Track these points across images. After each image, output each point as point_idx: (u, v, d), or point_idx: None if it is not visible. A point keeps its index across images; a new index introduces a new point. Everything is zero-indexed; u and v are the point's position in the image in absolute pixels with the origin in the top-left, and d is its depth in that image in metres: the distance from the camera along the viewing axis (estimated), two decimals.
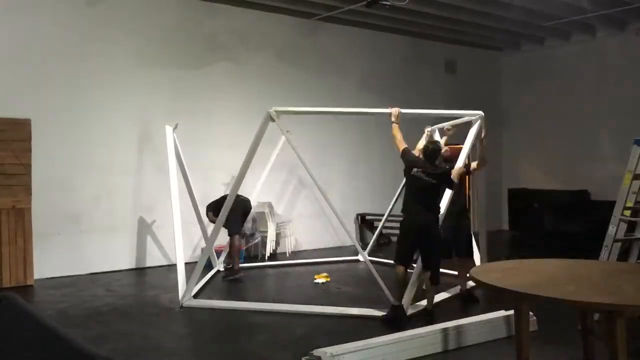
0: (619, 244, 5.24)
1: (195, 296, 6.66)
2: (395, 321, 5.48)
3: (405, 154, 5.85)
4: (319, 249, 9.71)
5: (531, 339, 3.78)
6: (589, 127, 11.76)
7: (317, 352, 4.44)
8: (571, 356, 4.65)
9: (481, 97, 12.67)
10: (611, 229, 5.12)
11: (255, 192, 9.19)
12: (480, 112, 6.92)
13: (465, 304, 6.40)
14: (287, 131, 6.61)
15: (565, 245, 9.75)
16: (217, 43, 9.57)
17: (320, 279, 7.72)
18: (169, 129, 7.46)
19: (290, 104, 8.49)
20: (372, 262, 6.79)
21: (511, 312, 4.38)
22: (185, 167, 7.75)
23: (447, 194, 6.26)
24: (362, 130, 10.95)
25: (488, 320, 5.18)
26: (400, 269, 5.72)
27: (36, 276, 7.61)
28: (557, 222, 10.87)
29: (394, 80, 11.56)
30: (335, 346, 4.52)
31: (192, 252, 9.00)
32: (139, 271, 8.56)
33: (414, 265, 6.06)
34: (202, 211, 8.04)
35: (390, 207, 9.22)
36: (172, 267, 8.08)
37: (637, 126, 11.15)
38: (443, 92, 12.37)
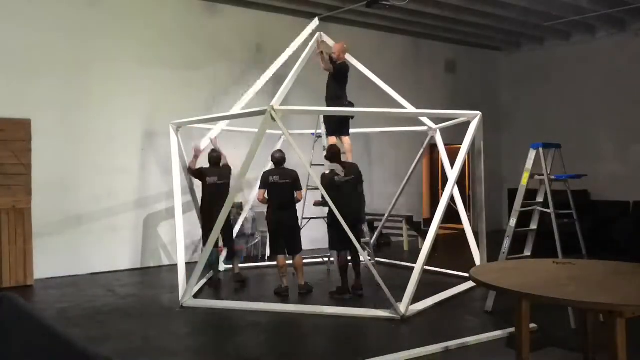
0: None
1: (196, 296, 6.66)
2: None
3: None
4: (319, 248, 9.70)
5: (531, 339, 3.78)
6: (589, 127, 11.76)
7: None
8: (571, 356, 4.65)
9: (481, 97, 12.68)
10: (512, 222, 5.85)
11: (255, 191, 9.17)
12: (479, 112, 6.93)
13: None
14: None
15: (565, 245, 9.72)
16: (217, 43, 9.57)
17: None
18: (172, 128, 7.46)
19: (290, 103, 8.50)
20: None
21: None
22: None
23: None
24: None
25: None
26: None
27: (36, 276, 7.61)
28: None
29: (394, 80, 11.52)
30: None
31: (193, 252, 9.00)
32: (139, 271, 8.56)
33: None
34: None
35: (391, 207, 9.22)
36: (172, 267, 8.09)
37: (637, 126, 11.17)
38: (443, 92, 12.36)
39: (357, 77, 8.46)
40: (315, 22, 8.15)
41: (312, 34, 8.16)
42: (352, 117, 8.03)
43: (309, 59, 7.73)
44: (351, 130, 8.31)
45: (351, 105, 7.75)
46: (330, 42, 8.20)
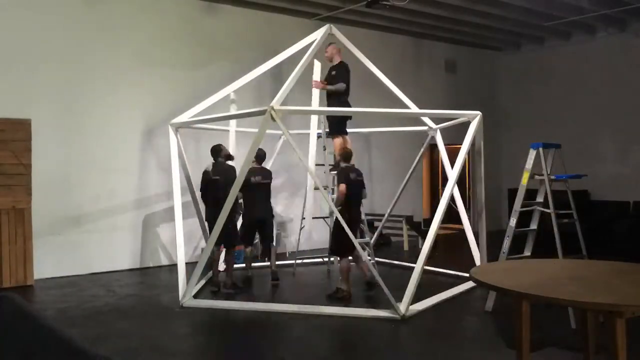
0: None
1: (196, 296, 6.66)
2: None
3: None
4: (319, 249, 9.70)
5: (531, 339, 3.78)
6: (589, 127, 11.76)
7: None
8: (571, 356, 4.65)
9: (481, 97, 12.68)
10: (512, 222, 5.87)
11: None
12: (479, 112, 6.93)
13: None
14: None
15: (566, 245, 9.72)
16: (217, 43, 9.57)
17: None
18: (171, 129, 7.45)
19: (291, 103, 8.50)
20: None
21: None
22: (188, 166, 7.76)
23: None
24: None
25: None
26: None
27: (36, 276, 7.61)
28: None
29: (394, 80, 11.53)
30: None
31: (193, 252, 9.00)
32: (139, 271, 8.56)
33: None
34: (203, 210, 8.02)
35: (391, 207, 9.21)
36: (172, 267, 8.09)
37: (637, 126, 11.17)
38: (443, 92, 12.36)
39: (360, 76, 8.46)
40: (328, 28, 8.05)
41: (324, 40, 8.08)
42: (350, 117, 8.04)
43: (311, 59, 7.71)
44: (351, 130, 8.34)
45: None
46: (341, 37, 8.17)
